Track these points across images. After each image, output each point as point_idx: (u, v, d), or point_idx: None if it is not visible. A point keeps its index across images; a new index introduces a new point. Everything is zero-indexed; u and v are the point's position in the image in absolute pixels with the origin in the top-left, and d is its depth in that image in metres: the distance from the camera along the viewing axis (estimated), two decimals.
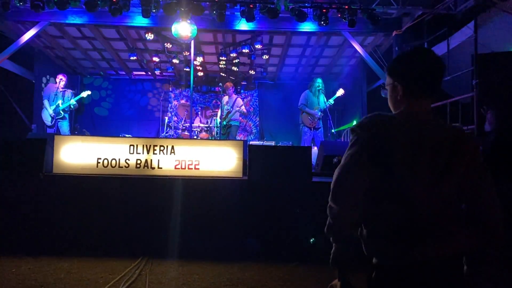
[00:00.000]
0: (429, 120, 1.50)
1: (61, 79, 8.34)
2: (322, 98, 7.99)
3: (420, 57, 1.55)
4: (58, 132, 8.17)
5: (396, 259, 1.41)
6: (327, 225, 1.49)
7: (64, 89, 8.35)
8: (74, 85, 9.26)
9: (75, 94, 8.50)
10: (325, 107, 7.89)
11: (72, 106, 8.32)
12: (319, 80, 8.07)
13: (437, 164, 1.42)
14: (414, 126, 1.46)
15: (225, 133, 8.90)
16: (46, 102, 8.26)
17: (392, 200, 1.42)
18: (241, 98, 9.40)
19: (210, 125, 9.91)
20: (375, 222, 1.46)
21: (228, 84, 9.29)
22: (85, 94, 8.52)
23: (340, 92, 8.05)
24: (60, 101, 8.19)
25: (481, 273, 1.44)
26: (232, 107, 8.86)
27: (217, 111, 10.01)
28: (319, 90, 8.00)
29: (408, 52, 1.62)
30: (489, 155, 4.85)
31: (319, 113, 7.92)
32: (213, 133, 9.75)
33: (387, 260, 1.43)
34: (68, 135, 8.14)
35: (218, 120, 9.09)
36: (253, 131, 12.98)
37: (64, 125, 8.34)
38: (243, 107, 8.77)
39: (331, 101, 7.93)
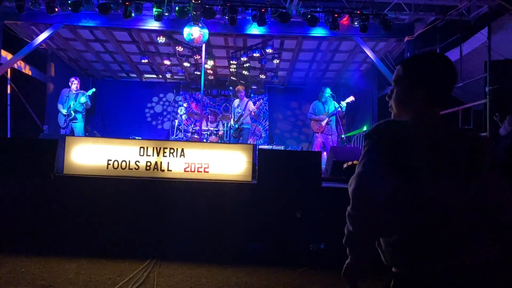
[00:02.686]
0: (444, 124, 1.47)
1: (73, 82, 8.48)
2: (332, 105, 8.07)
3: (443, 64, 1.49)
4: (71, 134, 8.27)
5: (420, 267, 1.35)
6: (346, 235, 1.44)
7: (77, 91, 8.46)
8: (86, 88, 9.33)
9: (88, 96, 8.58)
10: (334, 111, 7.94)
11: (83, 105, 8.39)
12: (328, 89, 8.18)
13: (460, 167, 1.38)
14: (432, 130, 1.43)
15: (237, 136, 8.91)
16: (60, 106, 8.42)
17: (415, 206, 1.37)
18: (252, 102, 9.42)
19: (219, 129, 9.93)
20: (396, 230, 1.41)
21: (240, 87, 9.31)
22: (90, 92, 8.62)
23: (351, 98, 8.12)
24: (72, 103, 8.31)
25: (510, 283, 1.40)
26: (244, 110, 8.88)
27: (226, 115, 10.05)
28: (328, 97, 8.09)
29: (430, 56, 1.56)
30: (504, 158, 4.81)
31: (326, 118, 7.96)
32: (219, 133, 9.76)
33: (409, 269, 1.37)
34: (82, 136, 8.22)
35: (232, 123, 9.10)
36: (263, 135, 12.98)
37: (78, 127, 8.45)
38: (255, 109, 8.82)
39: (343, 103, 7.98)
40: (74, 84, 8.48)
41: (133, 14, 7.42)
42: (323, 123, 7.98)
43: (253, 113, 8.74)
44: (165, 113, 12.93)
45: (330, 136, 8.06)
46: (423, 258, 1.35)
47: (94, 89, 8.81)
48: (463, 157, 1.39)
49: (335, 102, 8.14)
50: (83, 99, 8.32)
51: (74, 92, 8.45)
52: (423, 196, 1.36)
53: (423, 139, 1.40)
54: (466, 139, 1.43)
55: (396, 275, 1.41)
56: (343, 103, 8.04)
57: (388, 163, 1.38)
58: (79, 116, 8.44)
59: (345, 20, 7.69)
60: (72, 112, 8.29)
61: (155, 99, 13.09)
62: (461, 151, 1.40)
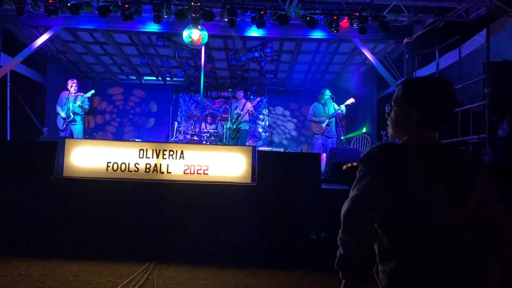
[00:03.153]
0: (438, 145, 1.47)
1: (71, 84, 8.46)
2: (332, 107, 8.07)
3: (441, 88, 1.49)
4: (71, 136, 8.26)
5: None
6: (337, 259, 1.43)
7: (76, 94, 8.45)
8: (86, 90, 9.32)
9: (87, 98, 8.56)
10: (334, 112, 7.96)
11: (82, 108, 8.38)
12: (327, 91, 8.17)
13: (454, 187, 1.38)
14: (425, 152, 1.43)
15: (234, 137, 8.92)
16: (58, 108, 8.41)
17: (411, 229, 1.36)
18: (250, 102, 9.44)
19: (218, 131, 9.95)
20: (392, 256, 1.39)
21: (238, 88, 9.34)
22: (89, 94, 8.57)
23: (351, 100, 8.13)
24: (71, 105, 8.30)
25: None
26: (242, 110, 8.90)
27: (226, 117, 10.06)
28: (328, 99, 8.10)
29: (430, 80, 1.58)
30: (504, 159, 4.83)
31: (327, 120, 7.96)
32: (216, 135, 9.79)
33: None
34: (81, 138, 8.22)
35: (229, 124, 9.12)
36: (262, 137, 12.99)
37: (77, 129, 8.43)
38: (252, 110, 8.83)
39: (343, 106, 7.99)
40: (73, 86, 8.44)
41: (133, 17, 7.43)
42: (323, 125, 8.00)
43: (250, 112, 8.76)
44: (164, 114, 12.77)
45: (330, 139, 8.08)
46: (419, 286, 1.33)
47: (93, 91, 8.78)
48: (457, 176, 1.40)
49: (335, 104, 8.16)
50: (78, 102, 8.30)
51: (73, 94, 8.42)
52: (419, 219, 1.36)
53: (416, 161, 1.40)
54: (459, 159, 1.44)
55: None
56: (342, 106, 8.06)
57: (381, 187, 1.38)
58: (78, 118, 8.43)
59: (344, 22, 7.71)
60: (71, 114, 8.28)
61: (154, 101, 13.02)
62: (455, 172, 1.40)
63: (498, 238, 1.41)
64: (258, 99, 12.26)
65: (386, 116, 1.63)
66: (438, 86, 1.51)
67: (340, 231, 1.43)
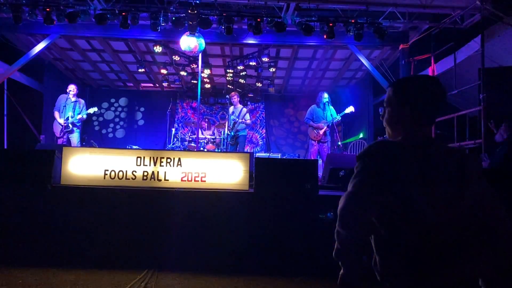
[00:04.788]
0: (432, 143, 1.52)
1: (71, 90, 8.36)
2: (329, 111, 8.02)
3: (429, 84, 1.56)
4: (68, 143, 8.20)
5: (413, 284, 1.40)
6: (335, 250, 1.52)
7: (76, 100, 8.38)
8: (83, 97, 9.30)
9: (87, 105, 8.51)
10: (332, 121, 7.91)
11: (80, 118, 8.35)
12: (325, 94, 8.12)
13: (449, 183, 1.43)
14: (421, 149, 1.48)
15: (234, 144, 8.92)
16: (56, 114, 8.30)
17: (407, 224, 1.42)
18: (246, 109, 9.44)
19: (217, 137, 9.96)
20: (389, 248, 1.47)
21: (233, 93, 9.32)
22: (91, 110, 8.48)
23: (350, 109, 8.04)
24: (70, 113, 8.22)
25: None
26: (238, 117, 8.89)
27: (223, 123, 10.07)
28: (325, 103, 8.03)
29: (418, 78, 1.65)
30: (501, 166, 4.85)
31: (325, 127, 7.92)
32: (216, 141, 9.78)
33: (403, 285, 1.42)
34: (78, 146, 8.17)
35: (227, 131, 9.11)
36: (260, 143, 13.01)
37: (74, 137, 8.36)
38: (247, 118, 8.81)
39: (338, 116, 7.96)
40: (72, 91, 8.34)
41: (129, 25, 7.47)
42: (321, 132, 7.95)
43: (244, 122, 8.77)
44: (162, 121, 12.78)
45: (325, 144, 8.06)
46: (417, 277, 1.39)
47: (96, 109, 8.66)
48: (453, 171, 1.44)
49: (332, 108, 8.12)
50: (79, 116, 8.26)
51: (72, 100, 8.33)
52: (414, 213, 1.41)
53: (414, 157, 1.45)
54: (454, 155, 1.49)
55: None
56: (338, 116, 7.97)
57: (379, 183, 1.43)
58: (75, 127, 8.36)
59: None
60: (70, 125, 8.21)
61: (152, 108, 13.02)
62: (450, 166, 1.45)
63: (492, 232, 1.45)
64: (257, 110, 12.31)
65: (381, 118, 1.69)
66: (425, 81, 1.59)
67: (336, 224, 1.49)
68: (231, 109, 9.21)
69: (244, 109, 9.11)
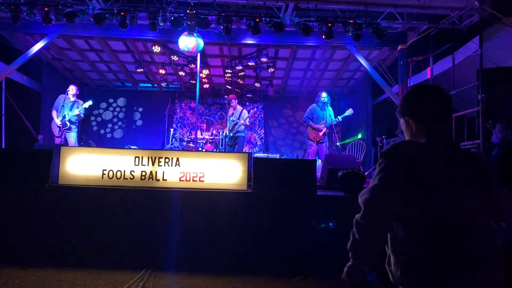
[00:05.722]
0: (452, 144, 1.56)
1: (72, 89, 8.32)
2: (328, 111, 8.01)
3: (436, 91, 1.63)
4: (65, 143, 8.16)
5: None
6: (351, 240, 1.52)
7: (75, 100, 8.34)
8: (81, 97, 9.25)
9: (84, 108, 8.46)
10: (331, 123, 7.90)
11: (77, 116, 8.28)
12: (325, 94, 8.09)
13: (473, 183, 1.46)
14: (443, 150, 1.51)
15: (232, 145, 8.91)
16: (54, 113, 8.25)
17: (431, 219, 1.42)
18: (246, 110, 9.43)
19: (215, 137, 9.94)
20: (408, 248, 1.46)
21: (231, 96, 9.31)
22: (87, 104, 8.38)
23: (349, 111, 8.04)
24: (67, 112, 8.18)
25: None
26: (238, 118, 8.89)
27: (221, 122, 10.07)
28: (324, 103, 8.01)
29: (421, 88, 1.71)
30: (500, 164, 4.87)
31: (324, 129, 7.90)
32: (212, 141, 9.77)
33: None
34: (76, 146, 8.14)
35: (226, 131, 9.09)
36: (258, 143, 13.00)
37: (72, 136, 8.31)
38: (247, 120, 8.80)
39: (339, 118, 7.96)
40: (72, 92, 8.30)
41: (128, 24, 7.46)
42: (321, 133, 7.93)
43: (244, 123, 8.75)
44: (160, 121, 12.77)
45: (323, 144, 8.05)
46: (433, 279, 1.38)
47: (91, 102, 8.55)
48: (474, 173, 1.47)
49: (331, 109, 8.11)
50: (76, 111, 8.20)
51: (71, 100, 8.27)
52: (441, 208, 1.41)
53: (437, 157, 1.48)
54: (472, 157, 1.54)
55: None
56: (339, 118, 7.99)
57: (403, 180, 1.45)
58: (73, 126, 8.33)
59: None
60: (67, 122, 8.18)
61: (150, 108, 12.98)
62: (473, 166, 1.49)
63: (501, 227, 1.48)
64: (255, 110, 12.30)
65: (399, 133, 1.76)
66: (429, 88, 1.67)
67: (358, 216, 1.51)
68: (230, 110, 9.20)
69: (244, 111, 9.10)
